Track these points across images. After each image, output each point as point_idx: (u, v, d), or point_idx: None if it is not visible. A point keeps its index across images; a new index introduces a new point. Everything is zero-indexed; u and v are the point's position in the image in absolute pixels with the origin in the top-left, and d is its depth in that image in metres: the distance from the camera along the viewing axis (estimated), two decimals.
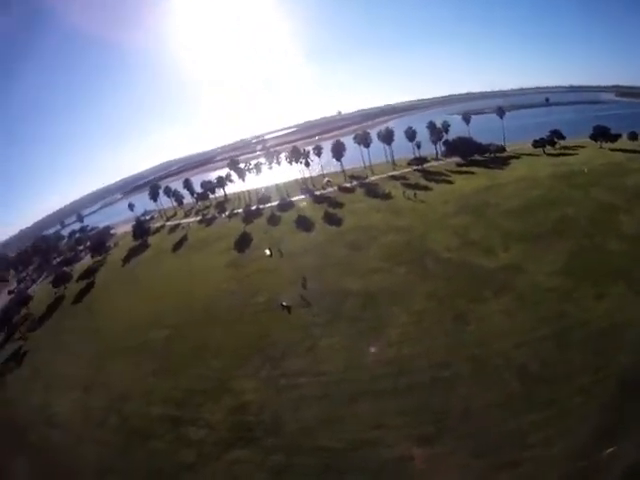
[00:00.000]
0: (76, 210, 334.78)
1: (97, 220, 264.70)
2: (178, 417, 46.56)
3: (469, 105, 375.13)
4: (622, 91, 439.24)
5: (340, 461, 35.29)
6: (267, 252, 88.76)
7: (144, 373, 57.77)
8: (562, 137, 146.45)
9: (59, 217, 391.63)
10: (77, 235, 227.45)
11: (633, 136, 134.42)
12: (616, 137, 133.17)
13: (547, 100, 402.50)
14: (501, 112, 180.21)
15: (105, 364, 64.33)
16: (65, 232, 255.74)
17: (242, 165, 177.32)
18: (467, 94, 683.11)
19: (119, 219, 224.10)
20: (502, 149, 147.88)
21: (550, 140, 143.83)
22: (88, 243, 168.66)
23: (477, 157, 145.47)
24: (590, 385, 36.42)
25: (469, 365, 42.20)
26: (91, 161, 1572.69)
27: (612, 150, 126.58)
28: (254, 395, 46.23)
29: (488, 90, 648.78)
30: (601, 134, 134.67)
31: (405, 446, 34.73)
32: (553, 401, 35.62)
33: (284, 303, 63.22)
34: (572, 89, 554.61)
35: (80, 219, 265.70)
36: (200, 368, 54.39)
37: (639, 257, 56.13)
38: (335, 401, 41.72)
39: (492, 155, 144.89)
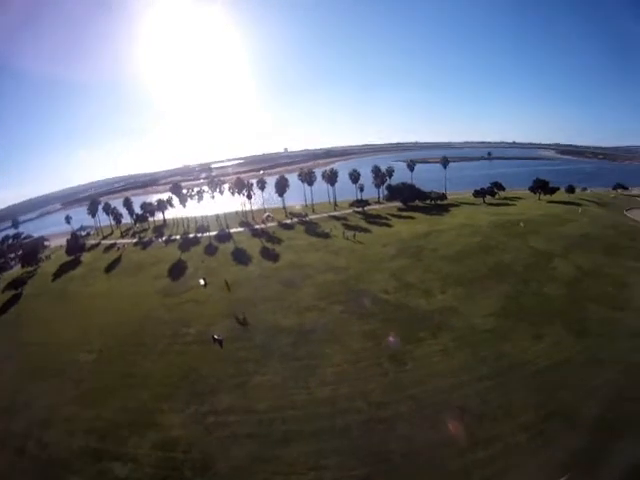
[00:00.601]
0: (12, 215, 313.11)
1: (33, 228, 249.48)
2: (101, 450, 43.17)
3: (415, 154, 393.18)
4: (562, 149, 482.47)
5: None
6: (202, 282, 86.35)
7: (67, 399, 53.50)
8: (502, 188, 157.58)
9: None
10: (10, 241, 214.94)
11: (570, 189, 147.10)
12: (554, 190, 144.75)
13: (489, 154, 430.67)
14: (445, 161, 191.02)
15: (27, 385, 59.17)
16: None
17: (185, 191, 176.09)
18: (414, 144, 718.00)
19: (55, 230, 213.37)
20: (443, 196, 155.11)
21: (490, 190, 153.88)
22: (20, 252, 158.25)
23: (418, 203, 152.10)
24: (533, 421, 37.75)
25: (408, 405, 42.26)
26: (33, 168, 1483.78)
27: (550, 202, 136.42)
28: (182, 431, 43.75)
29: (434, 141, 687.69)
30: (540, 186, 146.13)
31: None
32: (496, 438, 36.42)
33: (216, 336, 61.27)
34: (515, 145, 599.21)
35: (15, 225, 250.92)
36: (125, 399, 51.00)
37: (575, 300, 60.54)
38: (268, 441, 40.26)
39: (433, 202, 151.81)
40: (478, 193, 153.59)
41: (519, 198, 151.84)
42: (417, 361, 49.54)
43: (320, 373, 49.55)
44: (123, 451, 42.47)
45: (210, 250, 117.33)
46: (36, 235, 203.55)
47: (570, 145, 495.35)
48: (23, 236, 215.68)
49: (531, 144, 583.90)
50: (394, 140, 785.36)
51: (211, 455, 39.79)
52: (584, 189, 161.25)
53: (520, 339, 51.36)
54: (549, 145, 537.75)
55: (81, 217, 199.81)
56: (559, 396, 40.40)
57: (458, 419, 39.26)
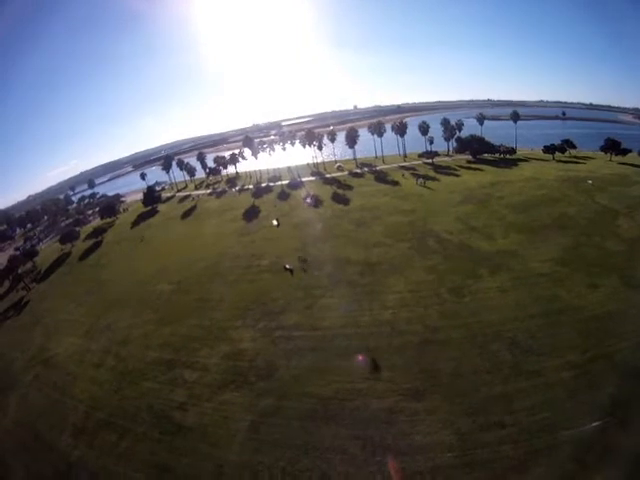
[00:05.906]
0: (86, 179, 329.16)
1: (106, 190, 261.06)
2: (174, 360, 47.77)
3: (487, 111, 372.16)
4: None
5: (328, 408, 36.50)
6: (275, 222, 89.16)
7: (145, 321, 58.88)
8: (573, 146, 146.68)
9: (69, 185, 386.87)
10: (87, 200, 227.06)
11: None
12: (626, 151, 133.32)
13: (564, 114, 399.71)
14: (516, 117, 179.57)
15: (108, 313, 65.40)
16: (75, 198, 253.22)
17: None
18: (487, 101, 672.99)
19: (128, 189, 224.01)
20: (512, 151, 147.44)
21: (561, 147, 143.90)
22: (97, 208, 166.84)
23: (487, 156, 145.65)
24: (579, 362, 37.20)
25: (461, 332, 43.23)
26: (102, 135, 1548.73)
27: (621, 163, 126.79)
28: (250, 344, 47.38)
29: (508, 99, 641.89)
30: (612, 147, 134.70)
31: (394, 399, 35.85)
32: (540, 372, 36.57)
33: (287, 266, 64.05)
34: (591, 107, 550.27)
35: (91, 185, 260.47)
36: (200, 318, 55.46)
37: (635, 257, 56.85)
38: (328, 354, 42.86)
39: (502, 155, 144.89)
40: (548, 149, 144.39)
41: (590, 157, 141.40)
42: (474, 295, 50.02)
43: (383, 299, 51.35)
44: (194, 360, 46.92)
45: (283, 196, 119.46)
46: (111, 194, 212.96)
47: None
48: (99, 195, 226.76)
49: (609, 107, 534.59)
50: (466, 98, 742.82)
51: (274, 364, 43.10)
52: None
53: (575, 286, 49.89)
54: (627, 109, 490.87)
55: (154, 176, 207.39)
56: (608, 343, 39.27)
57: (506, 350, 39.78)
